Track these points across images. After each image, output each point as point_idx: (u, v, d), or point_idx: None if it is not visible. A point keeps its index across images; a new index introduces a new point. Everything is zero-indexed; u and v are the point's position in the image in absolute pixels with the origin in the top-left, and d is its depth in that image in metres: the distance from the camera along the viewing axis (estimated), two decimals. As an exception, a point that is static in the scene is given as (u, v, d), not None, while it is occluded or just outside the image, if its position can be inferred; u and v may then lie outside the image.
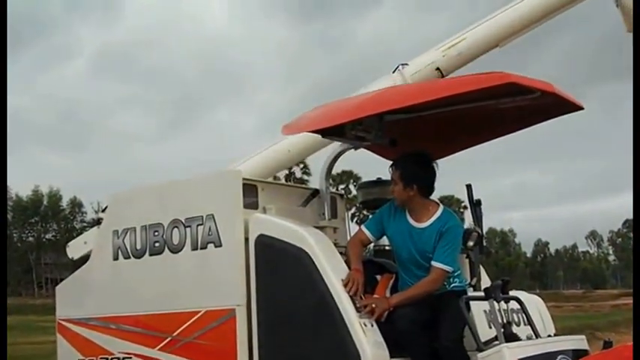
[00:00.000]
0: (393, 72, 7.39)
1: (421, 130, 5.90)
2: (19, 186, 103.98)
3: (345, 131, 5.78)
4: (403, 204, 5.56)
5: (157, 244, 5.95)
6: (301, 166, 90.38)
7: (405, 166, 5.52)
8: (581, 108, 5.57)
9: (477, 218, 6.26)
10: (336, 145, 6.35)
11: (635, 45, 6.09)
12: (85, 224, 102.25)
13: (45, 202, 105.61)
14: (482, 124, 5.99)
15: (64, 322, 6.66)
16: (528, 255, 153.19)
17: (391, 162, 5.66)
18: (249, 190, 5.80)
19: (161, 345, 5.90)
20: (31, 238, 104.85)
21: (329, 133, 5.94)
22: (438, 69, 7.22)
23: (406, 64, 7.36)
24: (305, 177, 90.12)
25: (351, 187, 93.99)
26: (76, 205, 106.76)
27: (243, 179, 5.72)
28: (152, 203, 6.12)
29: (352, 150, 6.11)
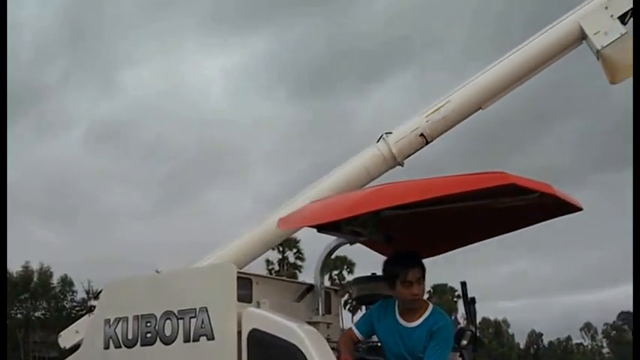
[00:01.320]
0: (377, 141, 7.40)
1: (417, 226, 5.91)
2: (9, 261, 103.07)
3: (342, 226, 5.80)
4: (411, 302, 5.52)
5: (148, 335, 5.88)
6: (294, 250, 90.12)
7: (422, 265, 5.54)
8: (579, 209, 5.57)
9: (471, 316, 6.23)
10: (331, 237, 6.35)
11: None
12: (75, 304, 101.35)
13: (35, 279, 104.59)
14: (479, 222, 5.99)
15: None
16: (522, 346, 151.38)
17: (413, 263, 5.56)
18: (244, 283, 5.76)
19: None
20: (19, 315, 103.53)
21: (325, 227, 5.95)
22: (422, 135, 7.21)
23: (390, 133, 7.36)
24: (299, 262, 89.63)
25: (345, 272, 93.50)
26: (67, 283, 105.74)
27: (238, 272, 5.69)
28: (145, 293, 6.08)
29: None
